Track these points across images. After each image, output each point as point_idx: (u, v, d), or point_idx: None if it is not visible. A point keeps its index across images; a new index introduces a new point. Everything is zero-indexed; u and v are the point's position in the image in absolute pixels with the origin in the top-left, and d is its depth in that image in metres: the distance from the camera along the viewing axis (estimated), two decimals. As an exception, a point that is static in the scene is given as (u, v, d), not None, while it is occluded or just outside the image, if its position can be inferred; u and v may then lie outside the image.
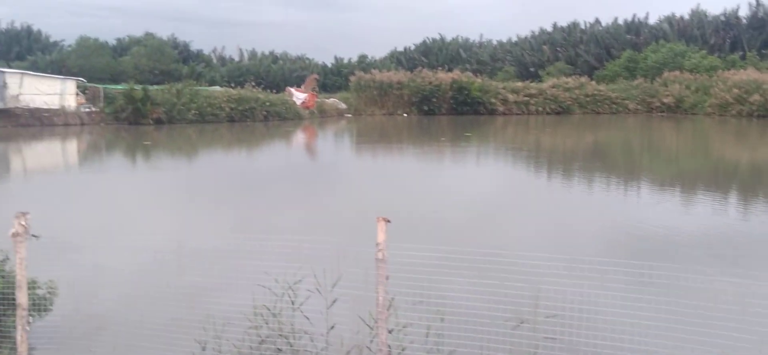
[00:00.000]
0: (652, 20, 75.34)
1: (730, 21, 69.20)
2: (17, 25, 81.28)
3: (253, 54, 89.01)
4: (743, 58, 60.90)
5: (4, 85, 39.42)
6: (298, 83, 61.99)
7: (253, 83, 53.42)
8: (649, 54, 64.10)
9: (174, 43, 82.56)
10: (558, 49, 74.78)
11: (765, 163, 26.01)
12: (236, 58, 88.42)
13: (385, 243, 5.44)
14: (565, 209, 15.51)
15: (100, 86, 46.56)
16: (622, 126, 45.39)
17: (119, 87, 46.67)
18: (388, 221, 5.27)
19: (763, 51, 62.68)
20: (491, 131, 42.04)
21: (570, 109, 56.89)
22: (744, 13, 69.18)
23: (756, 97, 48.20)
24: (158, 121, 41.54)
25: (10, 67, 51.64)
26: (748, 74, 51.07)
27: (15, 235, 5.94)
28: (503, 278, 5.80)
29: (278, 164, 25.78)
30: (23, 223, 5.98)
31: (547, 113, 56.26)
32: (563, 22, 79.72)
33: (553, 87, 58.25)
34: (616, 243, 11.79)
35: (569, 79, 59.60)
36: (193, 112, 43.16)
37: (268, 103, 47.72)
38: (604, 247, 11.44)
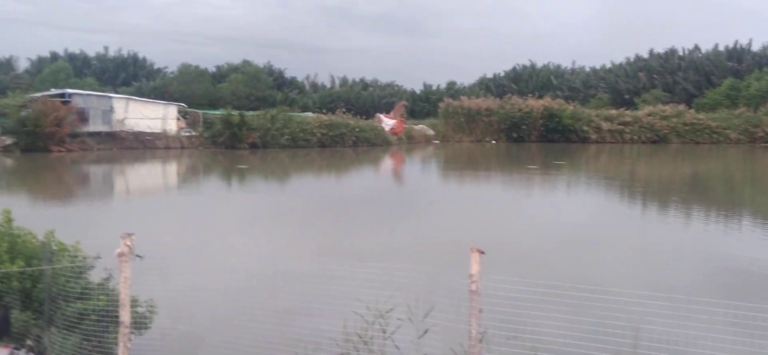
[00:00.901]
0: (756, 47, 71.89)
1: (843, 46, 65.11)
2: (124, 52, 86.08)
3: (344, 81, 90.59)
4: None
5: (111, 110, 41.76)
6: (388, 109, 62.59)
7: (344, 109, 54.34)
8: (752, 82, 60.99)
9: (269, 71, 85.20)
10: (654, 76, 72.37)
11: None
12: (328, 85, 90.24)
13: (479, 274, 5.39)
14: (663, 243, 14.87)
15: (200, 111, 48.59)
16: (723, 157, 43.28)
17: (217, 112, 48.55)
18: (482, 253, 5.22)
19: None
20: (584, 159, 41.00)
21: (667, 138, 54.81)
22: None
23: None
24: (253, 146, 42.87)
25: (116, 92, 54.68)
26: None
27: (120, 255, 6.23)
28: (600, 314, 5.61)
29: (368, 189, 26.03)
30: (128, 243, 6.26)
31: (643, 142, 54.41)
32: (660, 49, 77.25)
33: (649, 115, 56.37)
34: (716, 280, 11.19)
35: (666, 108, 57.52)
36: (286, 137, 44.34)
37: (357, 129, 48.42)
38: (703, 283, 10.89)
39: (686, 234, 16.31)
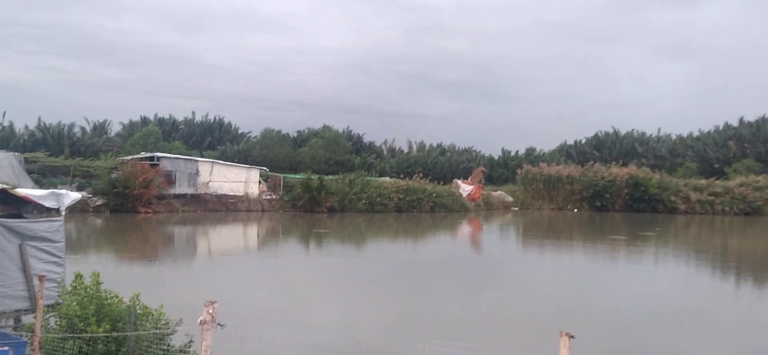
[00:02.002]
0: None
1: None
2: (210, 117, 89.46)
3: (421, 146, 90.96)
4: None
5: (197, 173, 43.20)
6: (465, 175, 62.28)
7: (421, 174, 54.37)
8: None
9: (348, 135, 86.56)
10: (746, 145, 69.39)
11: None
12: (405, 150, 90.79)
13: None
14: (759, 322, 13.87)
15: (280, 175, 49.64)
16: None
17: (297, 176, 49.49)
18: (572, 337, 4.90)
19: None
20: (673, 230, 39.31)
21: (761, 209, 52.08)
22: None
23: None
24: (331, 210, 43.28)
25: (202, 156, 56.66)
26: None
27: (203, 322, 6.20)
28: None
29: (445, 256, 25.64)
30: (211, 311, 6.24)
31: (735, 214, 51.89)
32: (751, 117, 74.20)
33: (741, 185, 53.87)
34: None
35: (760, 178, 54.86)
36: (363, 201, 44.60)
37: (434, 195, 48.25)
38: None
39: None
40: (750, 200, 52.61)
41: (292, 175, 51.25)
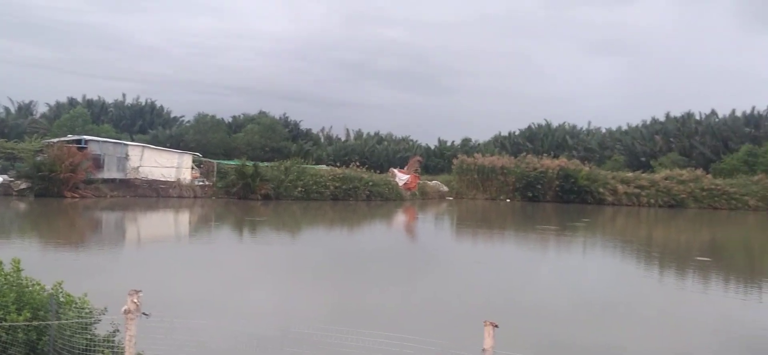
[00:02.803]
0: (774, 113, 71.50)
1: None
2: (142, 100, 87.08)
3: (359, 134, 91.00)
4: None
5: (127, 157, 42.03)
6: (402, 164, 62.64)
7: (358, 163, 54.39)
8: (771, 148, 60.58)
9: (285, 122, 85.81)
10: (671, 139, 72.11)
11: None
12: (343, 138, 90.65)
13: (492, 350, 5.12)
14: (686, 312, 14.44)
15: (214, 161, 48.79)
16: (743, 223, 42.67)
17: (232, 163, 48.74)
18: (496, 326, 4.97)
19: None
20: (600, 221, 40.54)
21: (684, 203, 54.26)
22: None
23: None
24: (266, 197, 42.80)
25: (132, 140, 55.12)
26: None
27: (127, 312, 6.05)
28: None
29: (380, 245, 25.73)
30: (135, 300, 6.09)
31: (660, 206, 53.89)
32: (677, 112, 77.15)
33: (666, 179, 55.95)
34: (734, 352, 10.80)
35: (684, 172, 57.09)
36: (299, 189, 44.28)
37: (371, 183, 48.34)
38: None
39: (710, 305, 15.85)
40: (674, 193, 54.69)
41: (226, 162, 50.45)
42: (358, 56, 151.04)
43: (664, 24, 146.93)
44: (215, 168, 46.63)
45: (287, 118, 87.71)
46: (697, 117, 75.23)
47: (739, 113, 73.08)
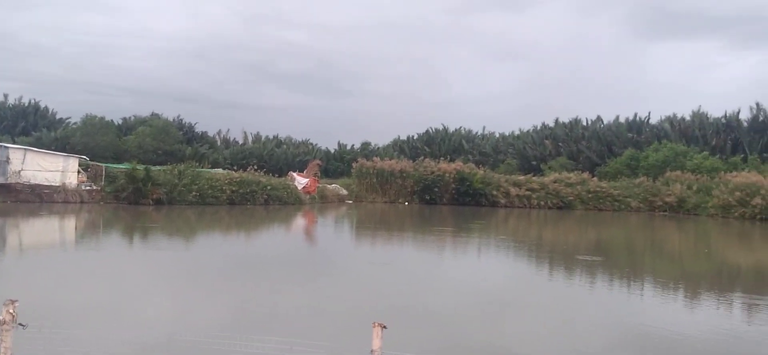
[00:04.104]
0: (654, 120, 76.26)
1: (731, 124, 69.95)
2: (25, 101, 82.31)
3: (257, 137, 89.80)
4: (745, 160, 61.17)
5: (7, 161, 39.51)
6: (301, 168, 62.25)
7: (256, 167, 53.62)
8: (651, 153, 64.45)
9: (179, 124, 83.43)
10: (560, 144, 75.36)
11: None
12: (240, 141, 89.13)
13: (381, 350, 5.11)
14: (570, 309, 15.03)
15: (103, 165, 46.67)
16: (624, 224, 45.10)
17: (122, 166, 46.83)
18: (384, 327, 4.96)
19: (765, 154, 63.04)
20: (494, 223, 41.75)
21: (572, 204, 56.78)
22: (745, 116, 70.11)
23: (758, 200, 48.14)
24: (158, 202, 41.36)
25: (14, 142, 51.95)
26: (749, 177, 51.12)
27: (2, 323, 5.68)
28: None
29: (277, 249, 25.39)
30: (11, 311, 5.72)
31: (549, 208, 56.13)
32: (565, 118, 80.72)
33: (555, 182, 58.35)
34: (622, 346, 11.33)
35: (571, 175, 59.75)
36: (193, 193, 43.10)
37: (269, 187, 47.70)
38: (610, 349, 11.01)
39: (594, 300, 16.59)
40: (562, 195, 57.12)
41: (115, 165, 48.42)
42: (257, 58, 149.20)
43: (555, 33, 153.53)
44: (104, 172, 44.63)
45: (182, 120, 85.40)
46: (584, 123, 79.05)
47: (622, 119, 77.39)
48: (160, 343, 9.31)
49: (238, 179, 46.60)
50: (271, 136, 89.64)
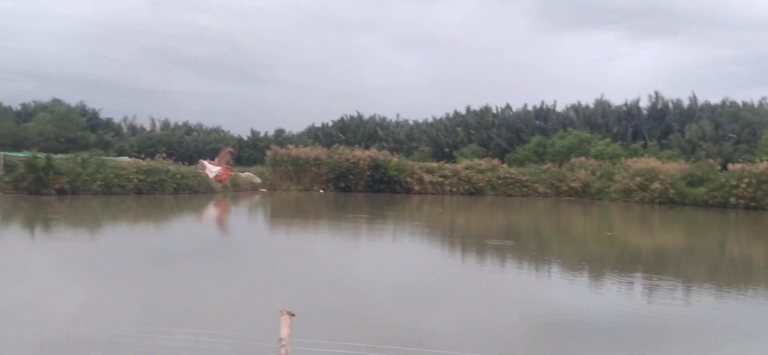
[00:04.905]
0: (560, 108, 78.84)
1: (631, 111, 73.23)
2: None
3: (165, 124, 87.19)
4: (644, 147, 64.23)
5: None
6: (212, 156, 60.83)
7: (164, 154, 52.13)
8: (557, 140, 66.70)
9: (82, 111, 79.96)
10: (471, 131, 76.86)
11: (668, 247, 26.99)
12: (148, 128, 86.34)
13: (290, 338, 5.01)
14: (481, 292, 15.35)
15: (1, 153, 44.11)
16: (532, 209, 46.50)
17: (21, 154, 44.44)
18: (293, 315, 4.88)
19: (663, 141, 66.34)
20: (408, 209, 42.16)
21: (483, 190, 58.04)
22: (644, 104, 73.55)
23: (656, 184, 50.67)
24: (61, 191, 39.53)
25: None
26: (648, 163, 53.73)
27: None
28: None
29: (185, 241, 24.71)
30: None
31: (461, 194, 57.17)
32: (476, 106, 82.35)
33: (466, 168, 59.45)
34: (531, 327, 11.66)
35: (482, 162, 61.04)
36: (98, 183, 41.44)
37: (179, 176, 46.37)
38: (522, 332, 11.29)
39: (504, 284, 16.99)
40: (474, 182, 58.31)
41: (14, 154, 45.83)
42: (166, 43, 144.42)
43: (469, 22, 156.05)
44: (2, 161, 42.18)
45: (85, 106, 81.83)
46: (494, 111, 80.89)
47: (530, 108, 79.63)
48: (59, 340, 8.85)
49: (145, 168, 45.08)
50: (180, 123, 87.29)
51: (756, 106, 69.51)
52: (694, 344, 11.35)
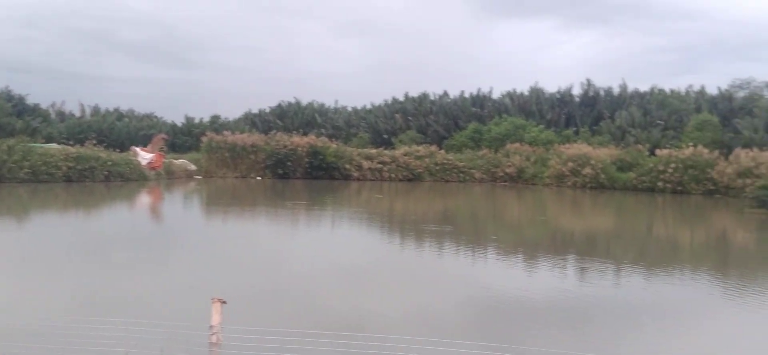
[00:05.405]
0: (496, 95, 79.89)
1: (564, 99, 74.88)
2: None
3: (96, 110, 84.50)
4: (577, 133, 65.86)
5: None
6: (145, 142, 59.29)
7: (95, 141, 50.57)
8: (493, 127, 67.75)
9: (7, 96, 76.54)
10: (409, 118, 77.21)
11: (598, 230, 27.82)
12: (77, 114, 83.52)
13: (221, 326, 4.94)
14: (420, 277, 15.48)
15: None
16: (469, 194, 47.16)
17: (-59, 141, 42.37)
18: (224, 302, 4.79)
19: (594, 127, 68.15)
20: (346, 196, 42.13)
21: (421, 176, 58.49)
22: (577, 91, 75.23)
23: (588, 170, 52.12)
24: (-16, 180, 37.91)
25: None
26: (580, 149, 55.18)
27: None
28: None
29: (117, 230, 24.05)
30: None
31: (400, 180, 57.47)
32: (414, 93, 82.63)
33: (405, 155, 59.76)
34: (468, 310, 11.83)
35: (420, 148, 61.45)
36: (25, 170, 39.94)
37: (110, 163, 45.07)
38: (460, 314, 11.44)
39: (440, 268, 17.18)
40: (412, 168, 58.70)
41: (-67, 141, 43.63)
42: (97, 26, 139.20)
43: (407, 8, 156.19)
44: None
45: (11, 91, 78.25)
46: (432, 98, 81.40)
47: (467, 95, 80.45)
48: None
49: (75, 155, 43.65)
50: (111, 109, 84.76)
51: (683, 93, 71.97)
52: (620, 322, 11.75)
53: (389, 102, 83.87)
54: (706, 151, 49.46)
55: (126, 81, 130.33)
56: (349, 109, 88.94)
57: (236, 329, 5.05)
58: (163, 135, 59.71)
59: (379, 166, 58.25)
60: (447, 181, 58.51)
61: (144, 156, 49.68)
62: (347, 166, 57.32)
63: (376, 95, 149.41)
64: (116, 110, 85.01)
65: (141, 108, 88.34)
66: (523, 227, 29.34)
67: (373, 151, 61.11)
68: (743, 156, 46.85)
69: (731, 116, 61.27)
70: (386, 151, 60.92)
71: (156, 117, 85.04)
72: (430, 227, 26.06)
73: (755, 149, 47.75)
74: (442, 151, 62.65)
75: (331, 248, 20.13)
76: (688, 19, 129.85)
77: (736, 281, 16.78)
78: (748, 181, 42.10)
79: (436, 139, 70.11)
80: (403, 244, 22.01)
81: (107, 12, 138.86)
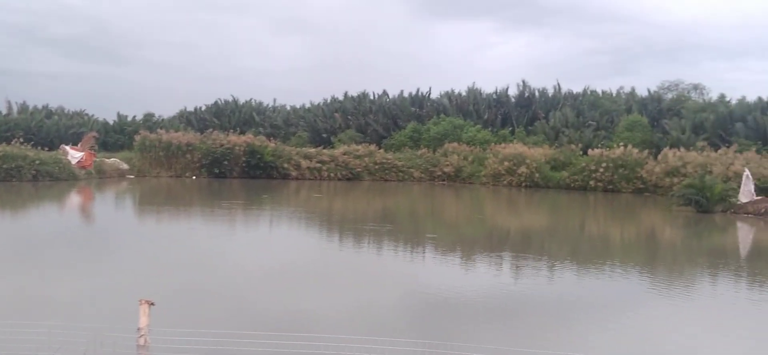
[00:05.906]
0: (434, 95, 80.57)
1: (500, 99, 76.11)
2: None
3: (23, 107, 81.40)
4: (512, 133, 67.06)
5: None
6: (75, 141, 57.41)
7: (22, 139, 48.71)
8: (432, 126, 68.31)
9: (-73, 92, 73.05)
10: (349, 117, 77.13)
11: (533, 228, 28.39)
12: (3, 111, 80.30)
13: (149, 328, 4.80)
14: (359, 276, 15.46)
15: None
16: (408, 193, 47.43)
17: None
18: (152, 304, 4.67)
19: (529, 127, 69.54)
20: (284, 195, 41.77)
21: (360, 176, 58.49)
22: (513, 92, 76.60)
23: (523, 169, 53.15)
24: None
25: None
26: (516, 148, 56.21)
27: None
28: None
29: (44, 231, 23.18)
30: None
31: (339, 179, 57.33)
32: (354, 92, 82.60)
33: (344, 154, 59.63)
34: (405, 308, 11.87)
35: (359, 147, 61.43)
36: (-55, 170, 38.15)
37: (38, 162, 43.47)
38: (398, 312, 11.46)
39: (378, 266, 17.20)
40: (351, 167, 58.62)
41: None
42: (24, 19, 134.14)
43: (346, 7, 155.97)
44: None
45: (-70, 87, 74.75)
46: (372, 97, 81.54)
47: (406, 94, 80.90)
48: None
49: (0, 153, 41.92)
50: (40, 106, 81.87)
51: (614, 94, 74.15)
52: (553, 316, 12.00)
53: (328, 101, 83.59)
54: (635, 151, 51.07)
55: (55, 77, 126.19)
56: (288, 107, 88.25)
57: (164, 331, 4.90)
58: (94, 133, 57.92)
59: (318, 165, 57.95)
60: (386, 180, 58.67)
61: (74, 155, 48.10)
62: (286, 165, 56.81)
63: (315, 94, 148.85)
64: (45, 107, 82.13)
65: (71, 105, 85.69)
66: (461, 225, 29.68)
67: (312, 150, 60.75)
68: (671, 156, 48.55)
69: (660, 117, 63.47)
70: (325, 151, 60.65)
71: (87, 115, 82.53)
72: (369, 225, 26.08)
73: (682, 149, 49.56)
74: (382, 151, 62.78)
75: (268, 248, 19.91)
76: (621, 22, 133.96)
77: (663, 276, 17.39)
78: (676, 180, 43.65)
79: (375, 138, 70.22)
80: (342, 243, 21.95)
81: (35, 5, 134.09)
